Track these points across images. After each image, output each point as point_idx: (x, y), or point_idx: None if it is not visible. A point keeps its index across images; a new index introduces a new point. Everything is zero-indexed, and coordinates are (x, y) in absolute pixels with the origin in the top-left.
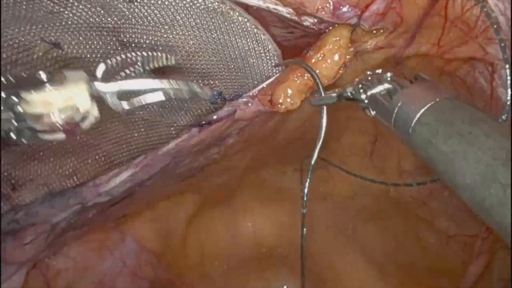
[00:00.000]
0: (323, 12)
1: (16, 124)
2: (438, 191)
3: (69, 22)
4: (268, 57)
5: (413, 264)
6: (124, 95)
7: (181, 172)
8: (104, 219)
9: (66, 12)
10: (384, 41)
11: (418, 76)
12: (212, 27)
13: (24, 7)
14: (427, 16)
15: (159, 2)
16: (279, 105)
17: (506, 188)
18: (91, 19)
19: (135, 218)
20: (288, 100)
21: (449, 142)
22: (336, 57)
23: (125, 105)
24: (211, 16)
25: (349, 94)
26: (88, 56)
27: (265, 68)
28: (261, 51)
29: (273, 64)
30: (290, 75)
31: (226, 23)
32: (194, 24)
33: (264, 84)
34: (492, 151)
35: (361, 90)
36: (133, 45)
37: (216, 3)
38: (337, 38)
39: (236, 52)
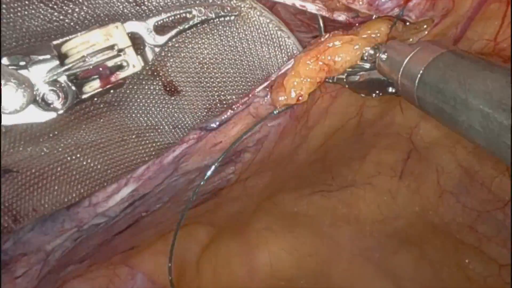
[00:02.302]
0: (360, 3)
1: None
2: (488, 213)
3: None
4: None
5: None
6: (160, 29)
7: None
8: (109, 251)
9: (66, 21)
10: (428, 38)
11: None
12: (229, 32)
13: (19, 14)
14: (483, 4)
15: (169, 3)
16: (279, 95)
17: None
18: None
19: (145, 251)
20: (293, 91)
21: (476, 63)
22: (366, 44)
23: (161, 39)
24: (227, 19)
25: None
26: None
27: None
28: (284, 59)
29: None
30: (303, 57)
31: (244, 27)
32: (208, 30)
33: (284, 69)
34: None
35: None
36: None
37: (234, 1)
38: (376, 32)
39: (256, 62)
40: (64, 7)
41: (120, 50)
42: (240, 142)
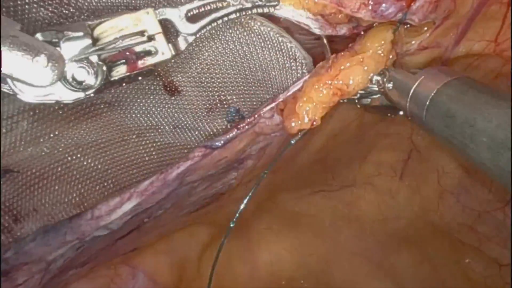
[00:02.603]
0: (364, 11)
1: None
2: (489, 214)
3: None
4: (294, 68)
5: None
6: (192, 18)
7: (196, 201)
8: (110, 255)
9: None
10: (429, 39)
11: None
12: (229, 37)
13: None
14: (483, 5)
15: None
16: (292, 122)
17: None
18: None
19: (146, 251)
20: (306, 116)
21: (480, 96)
22: (375, 65)
23: (193, 27)
24: (228, 26)
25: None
26: None
27: (289, 81)
28: (286, 62)
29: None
30: (314, 84)
31: (245, 33)
32: (209, 34)
33: (292, 90)
34: None
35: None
36: None
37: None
38: (382, 43)
39: (257, 64)
40: None
41: (150, 37)
42: (244, 152)
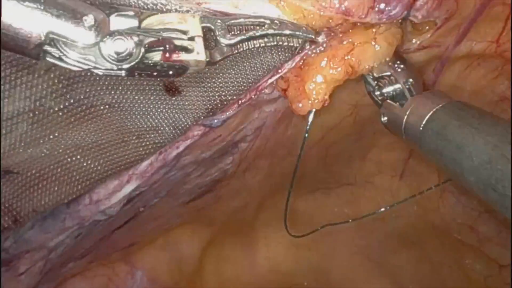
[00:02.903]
0: (371, 15)
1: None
2: (489, 214)
3: None
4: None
5: None
6: (233, 32)
7: (191, 189)
8: (109, 248)
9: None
10: (430, 39)
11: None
12: None
13: None
14: (486, 6)
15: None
16: (302, 103)
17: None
18: None
19: (145, 249)
20: (317, 96)
21: (459, 131)
22: (387, 47)
23: (232, 40)
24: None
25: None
26: None
27: None
28: (287, 58)
29: None
30: (330, 60)
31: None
32: None
33: (297, 60)
34: (499, 135)
35: (376, 87)
36: None
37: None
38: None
39: (257, 62)
40: None
41: (191, 38)
42: (239, 131)
